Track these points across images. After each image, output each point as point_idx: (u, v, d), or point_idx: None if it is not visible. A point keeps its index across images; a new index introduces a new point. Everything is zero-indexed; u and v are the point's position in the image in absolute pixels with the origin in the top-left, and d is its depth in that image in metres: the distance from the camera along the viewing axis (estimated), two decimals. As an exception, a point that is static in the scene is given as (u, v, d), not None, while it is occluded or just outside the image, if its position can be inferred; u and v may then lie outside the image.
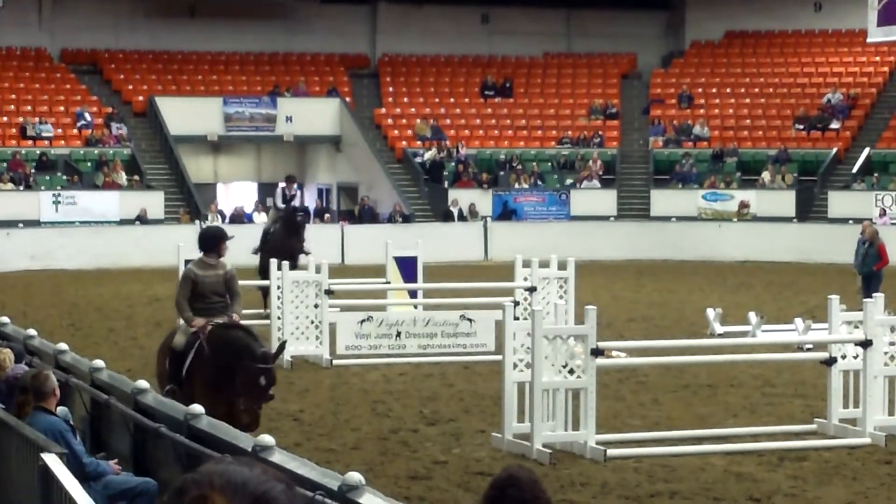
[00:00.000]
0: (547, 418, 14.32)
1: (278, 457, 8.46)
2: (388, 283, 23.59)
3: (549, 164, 46.76)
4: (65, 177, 42.47)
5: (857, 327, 15.39)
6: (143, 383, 11.47)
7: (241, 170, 49.81)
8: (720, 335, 22.68)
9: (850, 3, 49.11)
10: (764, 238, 41.48)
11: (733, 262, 40.52)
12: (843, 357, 15.50)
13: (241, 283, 14.45)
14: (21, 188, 41.55)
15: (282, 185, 29.86)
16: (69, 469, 8.48)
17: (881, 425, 15.17)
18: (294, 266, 24.27)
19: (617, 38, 51.66)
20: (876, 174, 43.80)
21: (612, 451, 14.10)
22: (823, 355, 15.85)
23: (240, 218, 42.01)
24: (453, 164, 45.65)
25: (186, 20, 48.92)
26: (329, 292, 20.96)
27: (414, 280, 23.52)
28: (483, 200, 44.22)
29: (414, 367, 20.33)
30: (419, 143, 46.96)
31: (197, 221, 39.39)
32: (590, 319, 14.28)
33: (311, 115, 46.68)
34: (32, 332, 15.30)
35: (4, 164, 42.19)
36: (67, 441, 10.13)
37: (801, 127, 47.08)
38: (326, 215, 44.30)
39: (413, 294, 23.92)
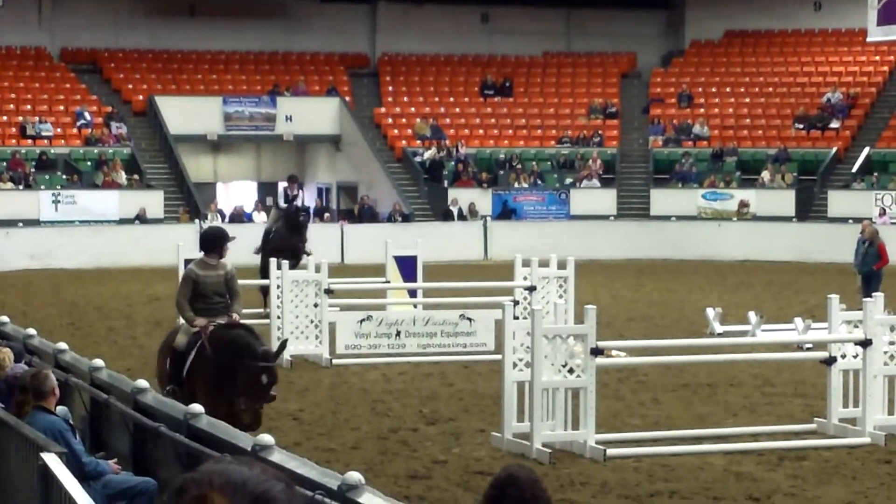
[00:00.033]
0: (546, 418, 14.31)
1: (278, 456, 8.46)
2: (388, 282, 23.57)
3: (549, 163, 46.73)
4: (64, 176, 42.46)
5: (856, 327, 15.39)
6: (142, 383, 11.46)
7: (240, 169, 49.79)
8: (720, 334, 22.66)
9: (849, 3, 49.09)
10: (764, 237, 41.46)
11: (733, 261, 40.51)
12: (843, 356, 15.49)
13: (241, 282, 14.45)
14: (21, 187, 41.54)
15: (284, 185, 29.82)
16: (69, 468, 8.48)
17: (881, 425, 15.17)
18: (296, 264, 24.27)
19: (617, 38, 51.65)
20: (876, 174, 43.78)
21: (611, 451, 14.10)
22: (823, 355, 15.84)
23: (239, 217, 42.00)
24: (453, 163, 45.63)
25: (186, 19, 48.92)
26: (329, 291, 20.95)
27: (413, 279, 23.50)
28: (483, 200, 44.21)
29: (413, 366, 20.32)
30: (419, 142, 46.93)
31: (196, 221, 39.40)
32: (589, 319, 14.28)
33: (310, 114, 46.67)
34: (32, 331, 15.28)
35: (4, 164, 42.17)
36: (67, 440, 10.12)
37: (801, 126, 47.06)
38: (326, 214, 44.25)
39: (413, 293, 23.91)
